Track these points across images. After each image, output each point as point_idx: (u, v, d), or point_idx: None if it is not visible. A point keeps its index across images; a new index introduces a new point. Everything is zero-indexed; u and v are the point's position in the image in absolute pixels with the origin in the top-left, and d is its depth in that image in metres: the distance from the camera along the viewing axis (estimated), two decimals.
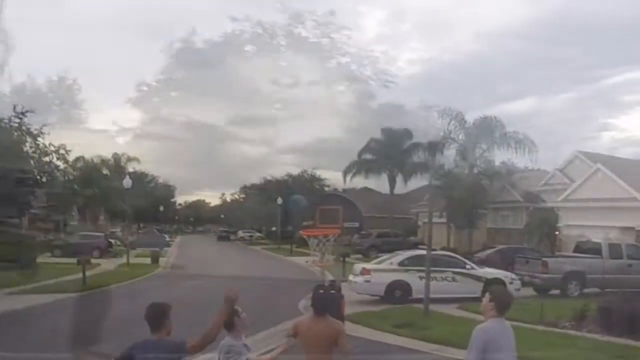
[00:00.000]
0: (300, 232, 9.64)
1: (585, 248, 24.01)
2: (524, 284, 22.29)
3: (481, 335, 5.76)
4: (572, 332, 15.14)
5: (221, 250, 62.77)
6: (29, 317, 18.28)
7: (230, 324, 6.25)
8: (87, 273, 25.59)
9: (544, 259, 23.25)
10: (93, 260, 33.90)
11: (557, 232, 33.86)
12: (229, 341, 6.48)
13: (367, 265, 21.95)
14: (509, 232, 42.02)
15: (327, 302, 6.89)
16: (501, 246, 31.06)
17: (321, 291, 6.91)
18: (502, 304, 5.90)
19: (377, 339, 14.51)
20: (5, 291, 22.58)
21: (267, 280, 29.85)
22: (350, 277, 21.16)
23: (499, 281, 20.23)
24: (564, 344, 13.54)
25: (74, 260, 28.77)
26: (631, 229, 28.04)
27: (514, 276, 21.98)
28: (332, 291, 7.80)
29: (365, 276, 20.74)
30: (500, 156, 58.12)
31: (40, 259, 33.90)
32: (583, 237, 26.09)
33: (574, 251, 24.84)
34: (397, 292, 20.53)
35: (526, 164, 64.16)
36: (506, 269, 22.84)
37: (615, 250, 22.88)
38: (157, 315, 5.45)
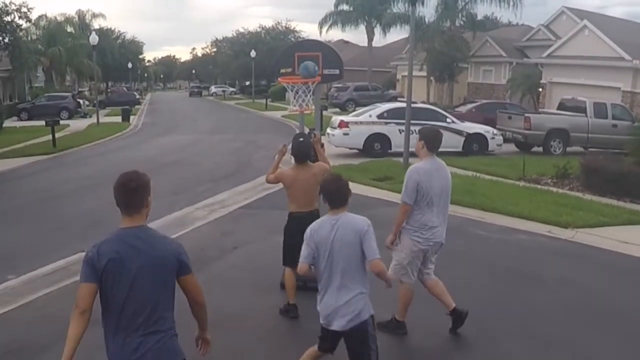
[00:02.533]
0: (278, 79, 9.00)
1: (569, 106, 23.35)
2: (506, 139, 21.92)
3: (413, 175, 6.09)
4: (554, 189, 14.88)
5: (193, 106, 62.12)
6: (1, 182, 17.73)
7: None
8: (57, 135, 25.02)
9: (527, 114, 22.61)
10: (62, 122, 33.27)
11: (540, 89, 33.21)
12: None
13: (346, 118, 21.38)
14: (491, 87, 41.37)
15: (308, 149, 7.06)
16: (483, 101, 30.39)
17: (301, 139, 7.02)
18: (431, 142, 6.17)
19: (357, 191, 14.02)
20: None
21: (243, 135, 29.40)
22: (328, 130, 20.71)
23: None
24: (546, 200, 13.30)
25: (42, 122, 27.99)
26: (617, 89, 27.39)
27: (495, 131, 21.56)
28: (312, 139, 7.38)
29: (344, 129, 20.21)
30: (483, 10, 56.70)
31: (6, 124, 33.32)
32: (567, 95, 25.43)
33: (558, 109, 24.21)
34: (376, 145, 20.07)
35: (510, 18, 63.05)
36: (487, 124, 22.27)
37: (600, 110, 22.20)
38: (138, 190, 3.58)
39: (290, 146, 7.10)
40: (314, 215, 6.85)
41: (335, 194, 4.75)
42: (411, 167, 6.23)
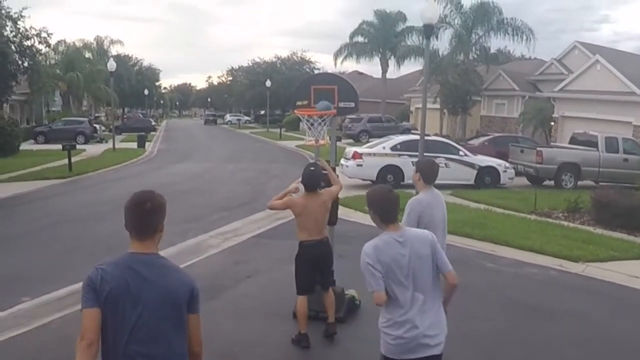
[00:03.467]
0: (294, 111, 9.16)
1: (581, 140, 23.48)
2: (518, 173, 22.01)
3: (416, 207, 6.10)
4: (565, 222, 14.92)
5: (208, 134, 62.44)
6: (17, 205, 17.81)
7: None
8: (73, 159, 25.12)
9: (539, 148, 22.73)
10: (78, 146, 33.37)
11: (552, 123, 33.31)
12: None
13: (359, 149, 21.54)
14: (504, 120, 41.52)
15: (319, 178, 7.14)
16: (495, 134, 30.55)
17: (312, 168, 7.11)
18: (427, 174, 6.28)
19: (369, 222, 14.14)
20: None
21: (257, 164, 29.60)
22: (342, 161, 20.82)
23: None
24: (556, 234, 13.34)
25: (58, 146, 28.26)
26: (628, 123, 27.44)
27: (507, 165, 21.68)
28: (325, 171, 7.55)
29: (357, 160, 20.40)
30: (496, 43, 57.01)
31: (23, 146, 33.63)
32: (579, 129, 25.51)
33: (570, 143, 24.34)
34: (389, 177, 20.12)
35: (523, 52, 63.35)
36: (499, 157, 22.40)
37: (611, 144, 22.34)
38: (153, 212, 3.18)
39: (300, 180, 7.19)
40: (325, 244, 7.14)
41: (393, 206, 4.28)
42: (413, 199, 6.30)
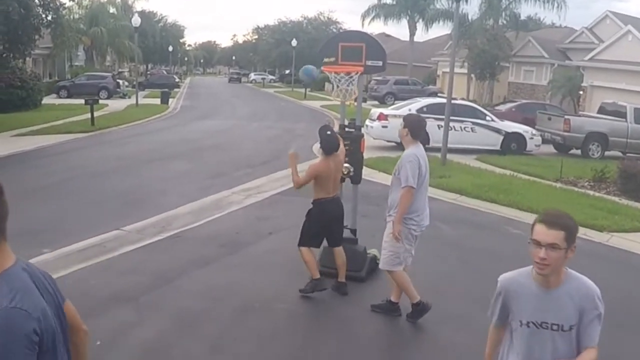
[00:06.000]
0: (322, 68, 9.10)
1: (609, 110, 23.09)
2: (545, 140, 21.72)
3: (415, 160, 6.21)
4: (590, 192, 14.76)
5: (232, 92, 62.19)
6: (40, 157, 17.78)
7: None
8: (95, 113, 25.07)
9: (567, 116, 22.41)
10: (101, 101, 33.23)
11: (581, 92, 32.82)
12: None
13: (385, 111, 21.35)
14: (532, 87, 41.01)
15: (337, 141, 7.20)
16: (523, 100, 30.19)
17: (328, 132, 7.14)
18: (415, 129, 6.37)
19: None
20: (13, 133, 22.25)
21: (281, 123, 29.52)
22: (367, 122, 20.56)
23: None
24: (582, 203, 13.16)
25: (80, 101, 28.32)
26: None
27: (534, 132, 21.40)
28: (352, 130, 7.95)
29: (382, 121, 20.21)
30: (527, 10, 55.98)
31: (45, 100, 33.71)
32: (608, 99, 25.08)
33: (598, 112, 23.95)
34: None
35: (553, 20, 62.37)
36: (526, 124, 22.12)
37: None
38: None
39: (317, 144, 7.25)
40: (339, 200, 7.43)
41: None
42: (410, 153, 6.28)
